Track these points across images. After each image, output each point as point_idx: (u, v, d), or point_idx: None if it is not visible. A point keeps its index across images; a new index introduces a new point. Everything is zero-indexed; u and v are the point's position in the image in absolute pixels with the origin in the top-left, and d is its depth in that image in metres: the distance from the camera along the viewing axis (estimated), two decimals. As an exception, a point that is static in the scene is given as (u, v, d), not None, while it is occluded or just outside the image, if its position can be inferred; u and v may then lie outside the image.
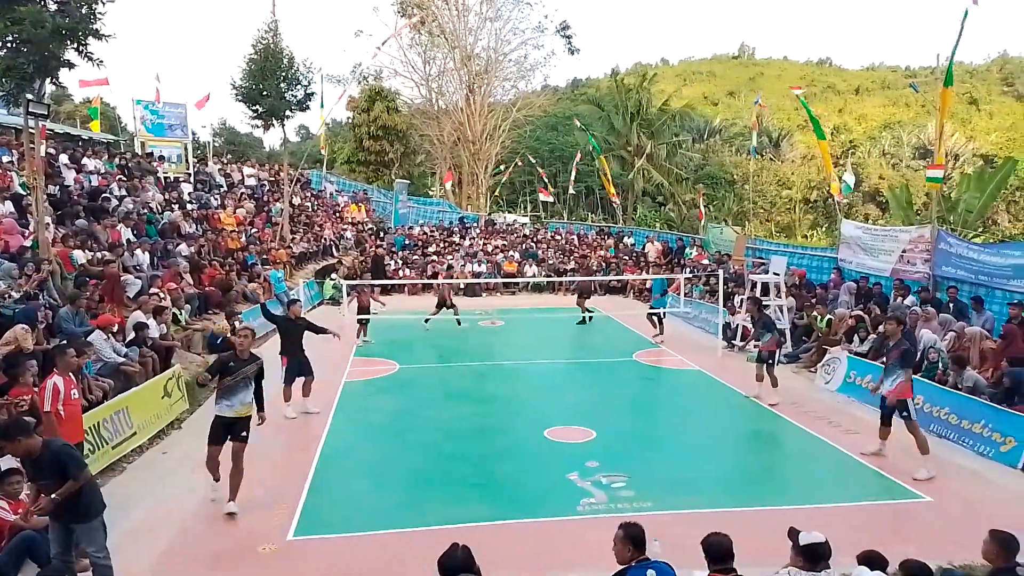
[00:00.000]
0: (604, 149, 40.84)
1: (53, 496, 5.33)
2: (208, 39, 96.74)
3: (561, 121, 55.87)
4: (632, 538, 4.43)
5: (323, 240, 27.42)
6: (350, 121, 46.06)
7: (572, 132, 46.28)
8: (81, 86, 25.31)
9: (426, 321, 18.49)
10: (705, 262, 23.50)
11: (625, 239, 30.93)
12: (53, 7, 10.91)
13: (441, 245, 30.14)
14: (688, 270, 22.87)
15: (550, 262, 28.42)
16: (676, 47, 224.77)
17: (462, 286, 24.39)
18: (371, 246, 28.25)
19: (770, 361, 11.85)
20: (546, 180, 39.92)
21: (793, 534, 4.75)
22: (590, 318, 19.80)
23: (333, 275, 23.41)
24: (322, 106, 29.47)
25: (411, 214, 36.16)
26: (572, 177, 37.71)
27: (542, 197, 39.43)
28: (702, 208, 30.26)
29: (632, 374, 14.47)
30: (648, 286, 21.34)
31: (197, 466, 8.22)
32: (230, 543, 6.95)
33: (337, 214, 33.14)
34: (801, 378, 13.94)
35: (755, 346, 12.41)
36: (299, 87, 22.63)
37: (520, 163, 40.44)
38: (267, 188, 30.20)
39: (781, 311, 15.84)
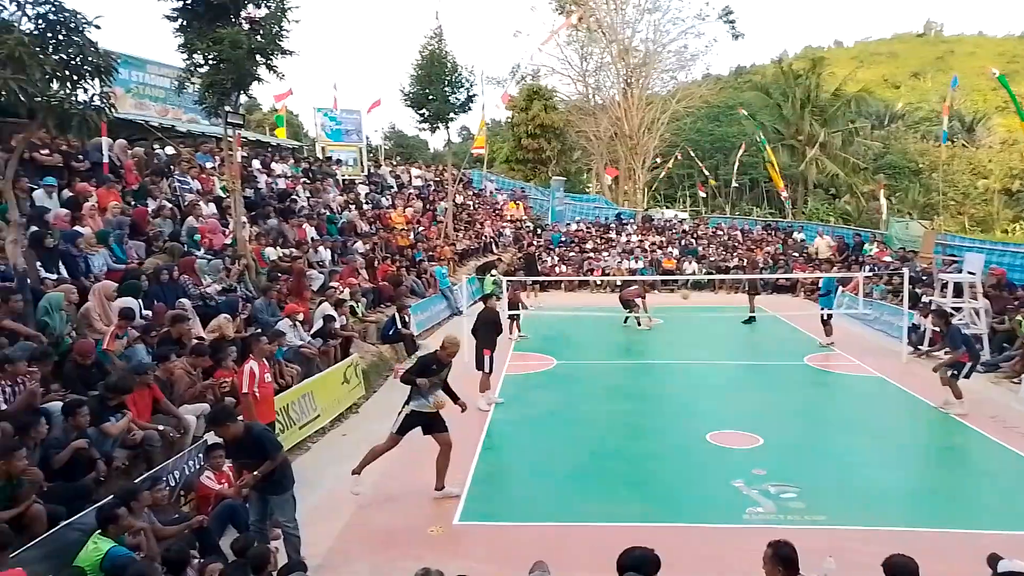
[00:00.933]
0: (771, 139, 38.78)
1: (255, 473, 5.96)
2: (379, 48, 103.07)
3: (723, 111, 53.74)
4: (782, 558, 4.19)
5: (483, 237, 28.29)
6: (509, 120, 47.11)
7: (736, 122, 44.39)
8: (276, 100, 27.84)
9: (625, 321, 18.39)
10: (887, 259, 21.64)
11: (794, 234, 29.21)
12: (247, 27, 12.04)
13: (598, 242, 30.06)
14: (867, 268, 21.17)
15: (711, 259, 27.46)
16: (851, 27, 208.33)
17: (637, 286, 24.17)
18: (527, 243, 28.77)
19: (955, 372, 10.74)
20: (707, 173, 38.58)
21: (992, 561, 4.27)
22: (752, 319, 18.92)
23: (493, 271, 24.10)
24: (483, 107, 30.38)
25: (568, 211, 36.38)
26: (735, 169, 36.22)
27: (701, 194, 38.16)
28: (883, 201, 27.87)
29: (803, 379, 13.63)
30: (819, 285, 20.03)
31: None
32: (402, 523, 7.37)
33: (497, 212, 34.04)
34: (1002, 389, 12.45)
35: (945, 353, 11.30)
36: (461, 90, 23.51)
37: (679, 156, 39.36)
38: (432, 188, 31.63)
39: (976, 315, 14.24)
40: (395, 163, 35.38)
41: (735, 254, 27.69)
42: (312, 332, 11.98)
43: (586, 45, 44.73)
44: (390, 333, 14.50)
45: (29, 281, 8.52)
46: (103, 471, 6.48)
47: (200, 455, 7.42)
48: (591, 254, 28.24)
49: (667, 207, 46.28)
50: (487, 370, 11.51)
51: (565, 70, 45.66)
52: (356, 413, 11.42)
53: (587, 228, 32.45)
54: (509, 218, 33.53)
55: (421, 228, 24.56)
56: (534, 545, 6.70)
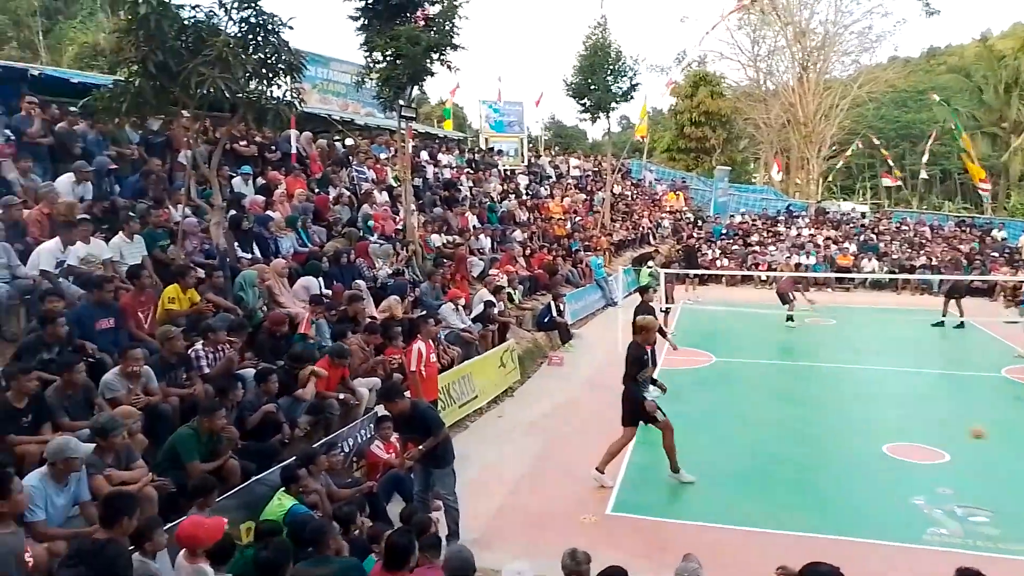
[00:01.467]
0: (969, 126, 34.86)
1: (420, 447, 6.30)
2: (543, 41, 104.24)
3: (912, 96, 49.00)
4: None
5: (641, 228, 27.84)
6: (672, 108, 45.92)
7: (925, 108, 40.37)
8: (451, 94, 28.91)
9: (789, 320, 17.55)
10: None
11: (994, 232, 26.13)
12: (422, 24, 12.60)
13: (764, 235, 28.59)
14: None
15: (894, 256, 25.22)
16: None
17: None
18: (687, 235, 27.93)
19: None
20: (891, 163, 35.40)
21: None
22: (942, 324, 17.17)
23: (650, 263, 23.66)
24: (645, 96, 29.81)
25: (731, 202, 34.88)
26: (924, 159, 32.96)
27: (886, 182, 35.14)
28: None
29: (1000, 393, 12.19)
30: (1022, 289, 17.82)
31: (528, 430, 8.99)
32: (556, 508, 7.46)
33: (655, 203, 33.36)
34: None
35: None
36: (624, 79, 23.20)
37: (860, 145, 36.41)
38: (590, 178, 31.56)
39: None
40: (554, 153, 35.65)
41: (922, 252, 25.24)
42: (472, 317, 12.39)
43: (759, 28, 42.59)
44: (545, 321, 14.69)
45: (228, 260, 9.50)
46: (287, 434, 7.11)
47: (371, 425, 7.93)
48: (756, 248, 26.91)
49: (844, 199, 43.03)
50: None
51: (735, 55, 43.81)
52: (511, 397, 11.68)
53: (752, 220, 30.97)
54: (668, 209, 32.73)
55: (578, 218, 24.60)
56: (690, 543, 6.50)
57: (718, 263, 25.43)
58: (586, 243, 22.09)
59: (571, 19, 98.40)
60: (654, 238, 28.13)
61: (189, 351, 7.25)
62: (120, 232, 8.80)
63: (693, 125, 42.26)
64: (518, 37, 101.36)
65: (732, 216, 31.87)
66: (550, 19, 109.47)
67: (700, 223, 31.09)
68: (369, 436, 7.87)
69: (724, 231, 29.14)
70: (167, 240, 9.35)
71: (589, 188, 29.68)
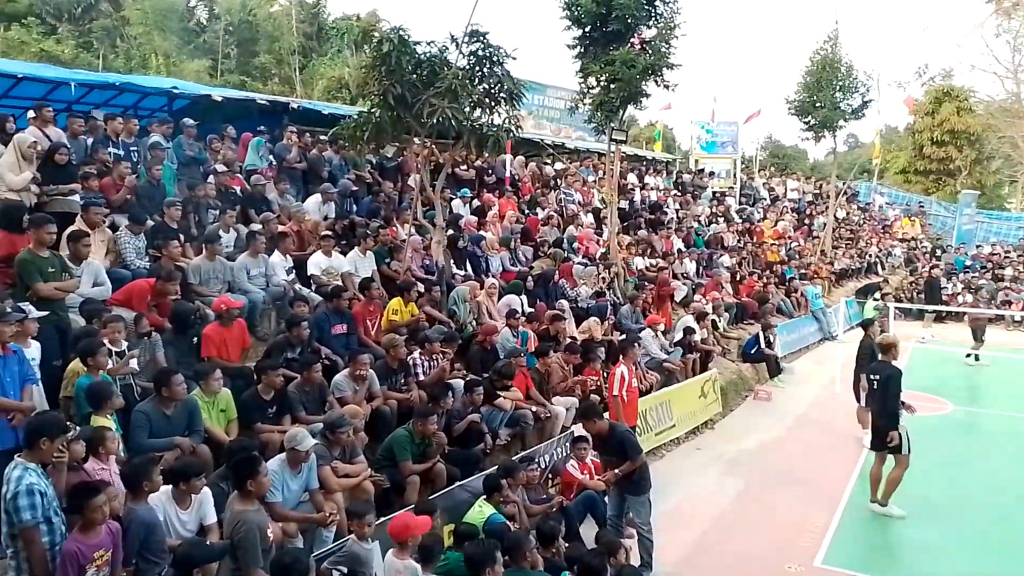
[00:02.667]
0: None
1: (616, 471, 6.29)
2: (762, 58, 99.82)
3: None
4: None
5: (867, 256, 25.49)
6: (909, 127, 41.66)
7: None
8: (665, 108, 28.57)
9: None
10: None
11: None
12: (638, 48, 12.67)
13: (1020, 269, 24.89)
14: None
15: None
16: None
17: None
18: (924, 265, 25.07)
19: None
20: None
21: None
22: None
23: (876, 295, 21.55)
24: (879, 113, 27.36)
25: (978, 230, 30.80)
26: None
27: None
28: None
29: None
30: None
31: (729, 466, 8.59)
32: (757, 552, 7.03)
33: (885, 229, 30.40)
34: None
35: None
36: (855, 95, 21.52)
37: None
38: (809, 201, 29.54)
39: None
40: (769, 174, 33.88)
41: None
42: (673, 343, 12.12)
43: (1021, 35, 37.35)
44: (752, 352, 13.95)
45: (445, 276, 10.19)
46: (489, 445, 7.44)
47: (567, 444, 8.05)
48: (1009, 284, 23.47)
49: None
50: (864, 404, 10.34)
51: (990, 66, 38.79)
52: (711, 429, 11.23)
53: (1006, 252, 27.07)
54: (900, 236, 29.67)
55: (794, 243, 23.10)
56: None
57: (959, 299, 22.51)
58: (802, 271, 20.67)
59: (795, 34, 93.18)
60: (882, 268, 25.63)
61: (408, 359, 7.85)
62: (355, 247, 9.81)
63: (935, 144, 38.00)
64: (734, 55, 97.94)
65: (979, 246, 28.14)
66: (771, 35, 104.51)
67: (939, 253, 27.81)
68: (565, 455, 7.98)
69: (969, 263, 25.78)
70: (392, 256, 10.25)
71: (808, 212, 27.78)
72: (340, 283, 8.97)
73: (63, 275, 6.56)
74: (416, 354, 8.02)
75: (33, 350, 5.67)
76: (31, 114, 9.35)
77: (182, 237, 8.32)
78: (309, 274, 9.18)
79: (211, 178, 10.02)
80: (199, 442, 5.75)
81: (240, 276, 8.24)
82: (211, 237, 8.24)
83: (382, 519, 5.51)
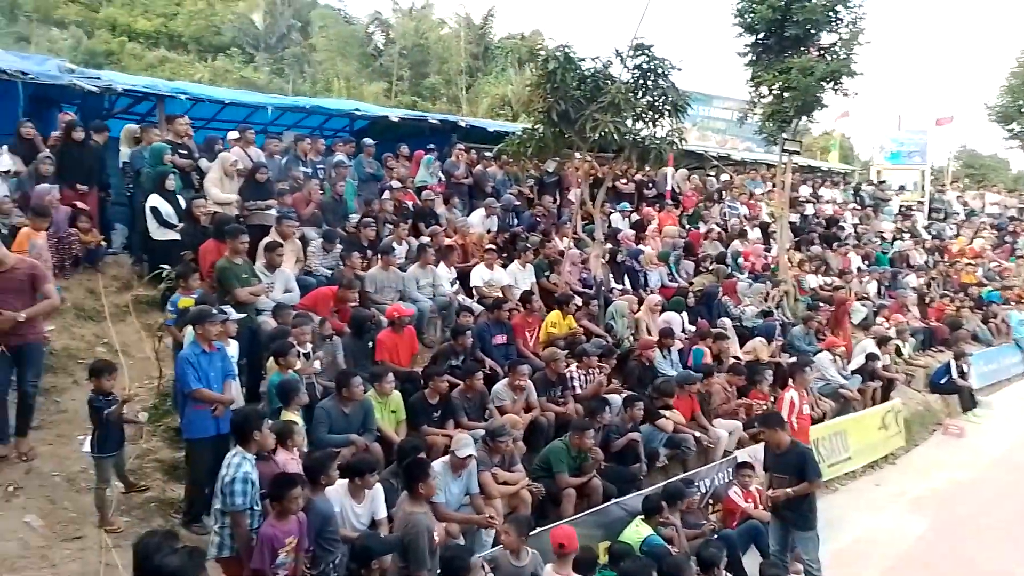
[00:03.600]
0: None
1: (788, 490, 5.92)
2: (956, 61, 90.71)
3: None
4: None
5: (1086, 280, 22.28)
6: None
7: None
8: (843, 116, 26.64)
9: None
10: None
11: None
12: (816, 54, 11.98)
13: None
14: None
15: None
16: None
17: None
18: None
19: None
20: None
21: None
22: None
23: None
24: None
25: None
26: None
27: None
28: None
29: None
30: None
31: (912, 506, 7.85)
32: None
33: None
34: None
35: None
36: (1074, 96, 19.05)
37: None
38: (1012, 217, 26.33)
39: None
40: (963, 187, 30.63)
41: None
42: (851, 369, 11.24)
43: None
44: (942, 382, 12.62)
45: (603, 290, 10.16)
46: (646, 464, 7.29)
47: (729, 470, 7.70)
48: None
49: None
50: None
51: None
52: (892, 464, 10.26)
53: None
54: None
55: (993, 264, 20.68)
56: None
57: None
58: (1004, 295, 18.44)
59: (996, 33, 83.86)
60: (1105, 293, 22.27)
61: (565, 372, 7.90)
62: (516, 260, 10.03)
63: None
64: (924, 55, 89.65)
65: None
66: (967, 34, 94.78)
67: None
68: (727, 480, 7.64)
69: None
70: (551, 269, 10.37)
71: (1011, 229, 24.77)
72: (501, 295, 9.23)
73: (253, 280, 7.30)
74: (573, 367, 8.04)
75: (233, 348, 6.31)
76: (234, 135, 10.45)
77: (368, 252, 8.94)
78: (472, 285, 9.52)
79: (387, 193, 10.70)
80: (372, 440, 6.13)
81: (410, 286, 8.71)
82: (386, 249, 8.78)
83: (539, 529, 5.57)
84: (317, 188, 9.81)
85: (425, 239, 9.83)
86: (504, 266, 9.95)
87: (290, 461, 5.11)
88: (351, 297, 7.74)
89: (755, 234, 15.44)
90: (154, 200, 8.31)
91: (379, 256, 8.79)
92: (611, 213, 13.09)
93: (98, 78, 10.91)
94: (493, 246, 10.02)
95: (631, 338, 9.72)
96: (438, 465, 5.69)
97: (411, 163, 12.35)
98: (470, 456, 5.69)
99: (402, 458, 5.59)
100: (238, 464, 4.62)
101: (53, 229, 8.18)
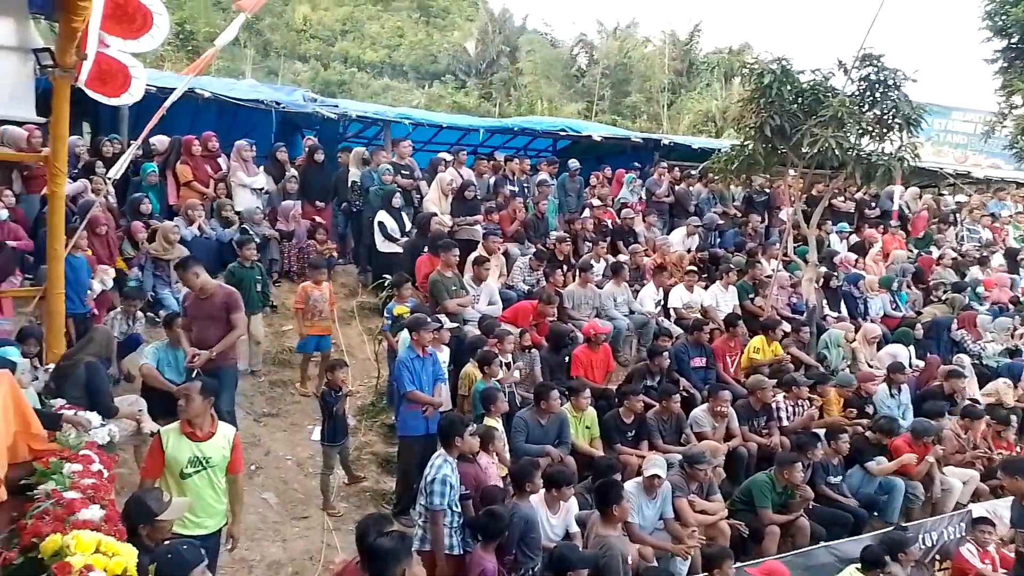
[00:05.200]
0: None
1: None
2: None
3: None
4: None
5: None
6: None
7: None
8: None
9: None
10: None
11: None
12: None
13: None
14: None
15: None
16: None
17: None
18: None
19: None
20: None
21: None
22: None
23: None
24: None
25: None
26: None
27: None
28: None
29: None
30: None
31: None
32: None
33: None
34: None
35: None
36: None
37: None
38: None
39: None
40: None
41: None
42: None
43: None
44: None
45: (815, 316, 9.47)
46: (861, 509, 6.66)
47: (962, 524, 6.80)
48: None
49: None
50: None
51: None
52: None
53: None
54: None
55: None
56: None
57: None
58: None
59: None
60: None
61: (771, 401, 7.46)
62: (717, 281, 9.68)
63: None
64: None
65: None
66: None
67: None
68: (959, 536, 6.74)
69: None
70: (755, 292, 9.86)
71: None
72: (700, 316, 8.95)
73: (461, 293, 7.77)
74: (780, 397, 7.57)
75: (444, 354, 6.73)
76: (447, 156, 11.15)
77: (564, 267, 9.14)
78: (670, 306, 9.33)
79: (587, 212, 10.84)
80: (567, 453, 6.20)
81: (607, 303, 8.72)
82: (584, 266, 8.88)
83: (738, 565, 5.29)
84: (521, 206, 10.17)
85: (623, 257, 9.82)
86: (705, 287, 9.65)
87: (491, 465, 5.32)
88: (550, 312, 7.91)
89: (998, 261, 13.59)
90: (381, 216, 9.13)
91: (577, 272, 8.94)
92: (828, 233, 12.20)
93: (335, 106, 12.22)
94: (694, 267, 9.75)
95: (846, 369, 8.96)
96: (631, 486, 5.63)
97: (612, 181, 12.41)
98: (658, 476, 5.55)
99: (596, 475, 5.60)
100: (439, 466, 4.89)
101: (295, 240, 9.31)
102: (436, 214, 9.30)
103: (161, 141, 9.43)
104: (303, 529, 5.91)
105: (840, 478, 6.88)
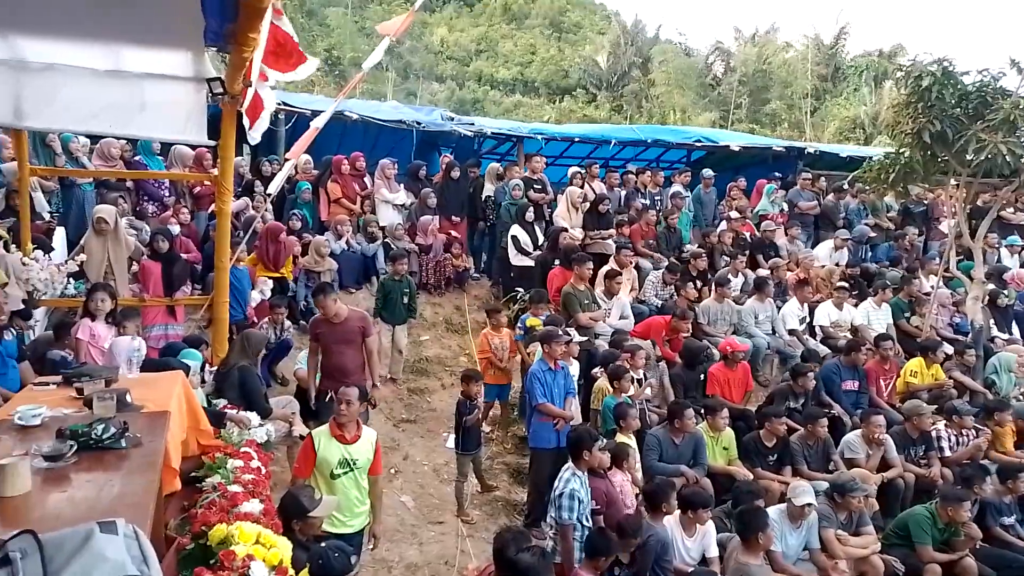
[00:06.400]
0: None
1: None
2: None
3: None
4: None
5: None
6: None
7: None
8: None
9: None
10: None
11: None
12: None
13: None
14: None
15: None
16: None
17: None
18: None
19: None
20: None
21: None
22: None
23: None
24: None
25: None
26: None
27: None
28: None
29: None
30: None
31: None
32: None
33: None
34: None
35: None
36: None
37: None
38: None
39: None
40: None
41: None
42: None
43: None
44: None
45: (982, 338, 8.62)
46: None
47: None
48: None
49: None
50: None
51: None
52: None
53: None
54: None
55: None
56: None
57: None
58: None
59: None
60: None
61: (931, 429, 6.86)
62: (869, 298, 9.05)
63: None
64: None
65: None
66: None
67: None
68: None
69: None
70: (912, 311, 9.13)
71: None
72: (849, 336, 8.41)
73: (594, 306, 7.74)
74: (941, 425, 6.94)
75: (574, 368, 6.71)
76: (575, 170, 11.13)
77: (698, 282, 8.87)
78: (816, 324, 8.83)
79: (724, 224, 10.47)
80: (703, 475, 5.99)
81: (748, 320, 8.38)
82: (721, 280, 8.58)
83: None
84: (653, 219, 9.99)
85: (764, 272, 9.40)
86: (855, 304, 9.05)
87: (625, 483, 5.24)
88: (684, 327, 7.70)
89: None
90: (515, 230, 9.28)
91: (713, 287, 8.65)
92: (997, 248, 11.10)
93: (471, 123, 12.58)
94: (844, 283, 9.17)
95: (1020, 397, 8.09)
96: (775, 512, 5.34)
97: (752, 192, 11.93)
98: (808, 505, 5.24)
99: (736, 500, 5.37)
100: (568, 479, 4.87)
101: (433, 254, 9.64)
102: (566, 228, 9.32)
103: (304, 159, 9.84)
104: (438, 534, 6.06)
105: (1014, 518, 6.21)
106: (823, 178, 12.08)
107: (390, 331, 7.99)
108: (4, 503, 2.25)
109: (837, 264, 10.06)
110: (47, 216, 7.46)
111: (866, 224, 10.95)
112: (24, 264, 5.70)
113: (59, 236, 7.22)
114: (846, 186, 11.18)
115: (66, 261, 6.36)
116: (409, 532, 6.05)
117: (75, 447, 2.59)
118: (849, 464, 6.34)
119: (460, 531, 6.01)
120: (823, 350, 8.38)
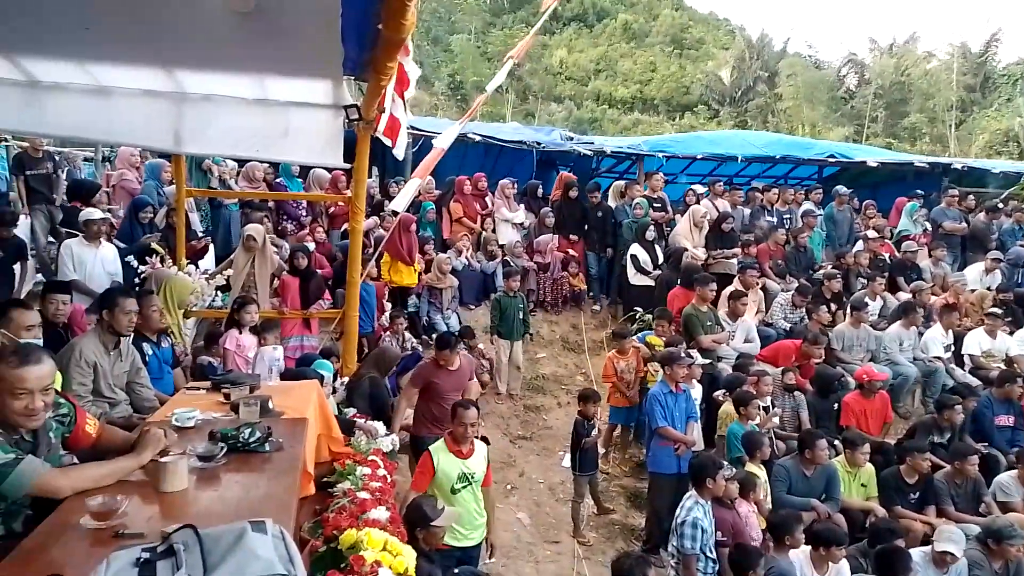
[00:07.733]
0: None
1: None
2: None
3: None
4: None
5: None
6: None
7: None
8: None
9: None
10: None
11: None
12: None
13: None
14: None
15: None
16: None
17: None
18: None
19: None
20: None
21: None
22: None
23: None
24: None
25: None
26: None
27: None
28: None
29: None
30: None
31: None
32: None
33: None
34: None
35: None
36: None
37: None
38: None
39: None
40: None
41: None
42: None
43: None
44: None
45: None
46: None
47: None
48: None
49: None
50: None
51: None
52: None
53: None
54: None
55: None
56: None
57: None
58: None
59: None
60: None
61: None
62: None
63: None
64: None
65: None
66: None
67: None
68: None
69: None
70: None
71: None
72: (1003, 366, 7.67)
73: (716, 328, 7.49)
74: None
75: (696, 391, 6.51)
76: (699, 188, 10.85)
77: (832, 305, 8.40)
78: (965, 353, 8.13)
79: (860, 244, 9.88)
80: (835, 510, 5.63)
81: (892, 347, 7.84)
82: (858, 304, 8.08)
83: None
84: (782, 238, 9.58)
85: (905, 296, 8.77)
86: (1010, 333, 8.25)
87: (751, 514, 5.01)
88: (816, 353, 7.28)
89: None
90: (634, 249, 9.17)
91: (848, 311, 8.15)
92: None
93: (591, 143, 12.59)
94: (996, 308, 8.40)
95: None
96: (918, 555, 4.94)
97: (891, 210, 11.19)
98: (951, 554, 4.80)
99: (875, 539, 5.00)
100: (690, 508, 4.73)
101: (550, 272, 9.68)
102: (688, 248, 9.10)
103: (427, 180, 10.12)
104: (554, 553, 6.03)
105: None
106: (971, 196, 11.15)
107: (508, 347, 8.08)
108: (164, 498, 2.43)
109: (989, 288, 9.23)
110: (200, 233, 8.11)
111: (1021, 245, 9.98)
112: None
113: (208, 252, 7.83)
114: (1001, 205, 10.25)
115: (214, 275, 6.87)
116: (525, 550, 6.05)
117: (225, 449, 2.77)
118: (1003, 508, 5.75)
119: (576, 552, 5.95)
120: (973, 381, 7.69)
